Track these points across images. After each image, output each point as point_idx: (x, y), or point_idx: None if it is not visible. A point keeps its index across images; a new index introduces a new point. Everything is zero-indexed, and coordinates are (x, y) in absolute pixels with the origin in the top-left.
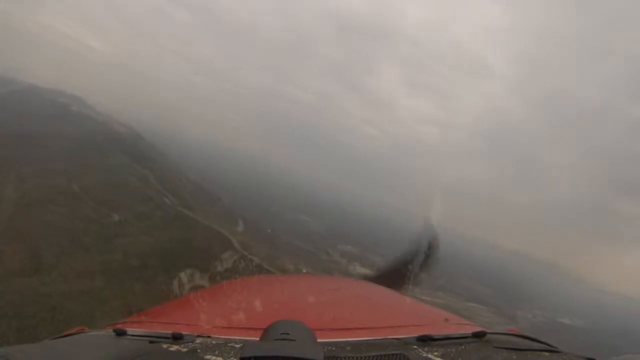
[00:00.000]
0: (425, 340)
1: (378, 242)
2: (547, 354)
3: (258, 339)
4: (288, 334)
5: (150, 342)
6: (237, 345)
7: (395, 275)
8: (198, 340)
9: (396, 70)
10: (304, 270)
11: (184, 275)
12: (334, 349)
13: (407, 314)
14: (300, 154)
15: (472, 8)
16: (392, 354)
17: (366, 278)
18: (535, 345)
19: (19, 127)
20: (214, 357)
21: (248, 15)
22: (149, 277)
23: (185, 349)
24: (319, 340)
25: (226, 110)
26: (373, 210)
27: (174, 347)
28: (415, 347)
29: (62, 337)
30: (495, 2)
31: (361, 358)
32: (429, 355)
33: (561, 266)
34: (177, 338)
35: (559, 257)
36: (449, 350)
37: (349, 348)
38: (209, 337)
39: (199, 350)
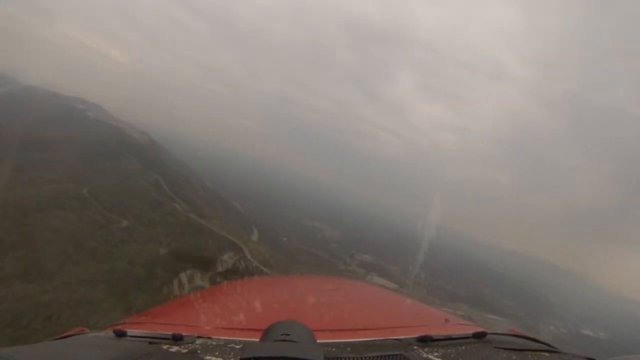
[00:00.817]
0: (425, 340)
1: (395, 250)
2: (547, 354)
3: (258, 339)
4: (288, 334)
5: (150, 343)
6: (237, 346)
7: None
8: (198, 341)
9: (412, 76)
10: None
11: (184, 276)
12: (334, 349)
13: (407, 314)
14: (316, 161)
15: (486, 11)
16: (392, 355)
17: None
18: (535, 345)
19: (35, 133)
20: (214, 358)
21: (264, 25)
22: (155, 288)
23: (185, 350)
24: (319, 341)
25: (243, 118)
26: (390, 217)
27: (174, 348)
28: (415, 347)
29: (62, 337)
30: (508, 4)
31: (361, 359)
32: (429, 356)
33: (580, 273)
34: (177, 339)
35: (577, 264)
36: (449, 350)
37: (349, 349)
38: (209, 338)
39: (199, 351)
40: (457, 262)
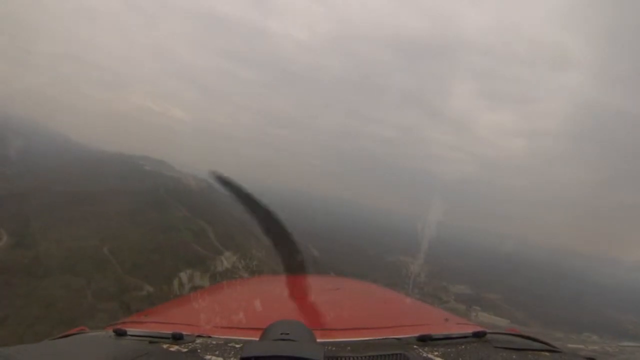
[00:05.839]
0: (425, 340)
1: (489, 275)
2: (547, 353)
3: (258, 339)
4: (288, 334)
5: (150, 342)
6: (237, 346)
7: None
8: (198, 341)
9: (471, 86)
10: None
11: (184, 275)
12: (334, 349)
13: (407, 313)
14: (389, 192)
15: None
16: (392, 354)
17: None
18: (536, 345)
19: (85, 188)
20: (214, 357)
21: (313, 61)
22: None
23: (185, 349)
24: (318, 340)
25: (311, 157)
26: (476, 239)
27: (174, 347)
28: (415, 347)
29: (62, 337)
30: None
31: (361, 358)
32: (429, 355)
33: None
34: (177, 338)
35: None
36: (449, 350)
37: (349, 348)
38: (209, 337)
39: (199, 351)
40: (560, 280)
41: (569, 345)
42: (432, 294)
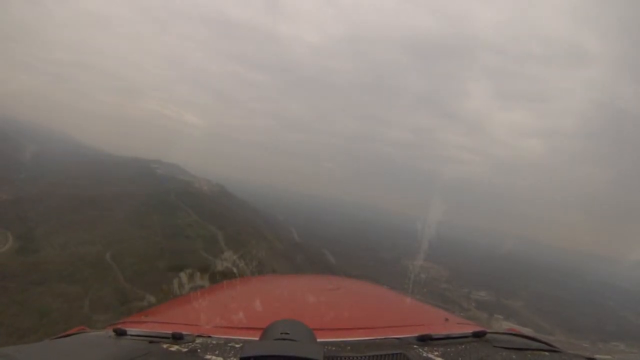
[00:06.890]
0: (425, 339)
1: (511, 280)
2: (547, 353)
3: (258, 338)
4: (288, 333)
5: (150, 342)
6: (237, 345)
7: None
8: (198, 340)
9: (484, 86)
10: None
11: (183, 275)
12: (334, 348)
13: (407, 313)
14: (405, 195)
15: None
16: (392, 354)
17: None
18: (535, 344)
19: (94, 191)
20: (214, 357)
21: (323, 64)
22: None
23: (185, 349)
24: (318, 340)
25: (326, 161)
26: (492, 241)
27: (174, 347)
28: (415, 346)
29: (62, 337)
30: None
31: (361, 358)
32: (429, 355)
33: None
34: (177, 338)
35: None
36: (449, 349)
37: (349, 348)
38: (209, 337)
39: (199, 350)
40: (580, 283)
41: (597, 356)
42: (453, 301)
